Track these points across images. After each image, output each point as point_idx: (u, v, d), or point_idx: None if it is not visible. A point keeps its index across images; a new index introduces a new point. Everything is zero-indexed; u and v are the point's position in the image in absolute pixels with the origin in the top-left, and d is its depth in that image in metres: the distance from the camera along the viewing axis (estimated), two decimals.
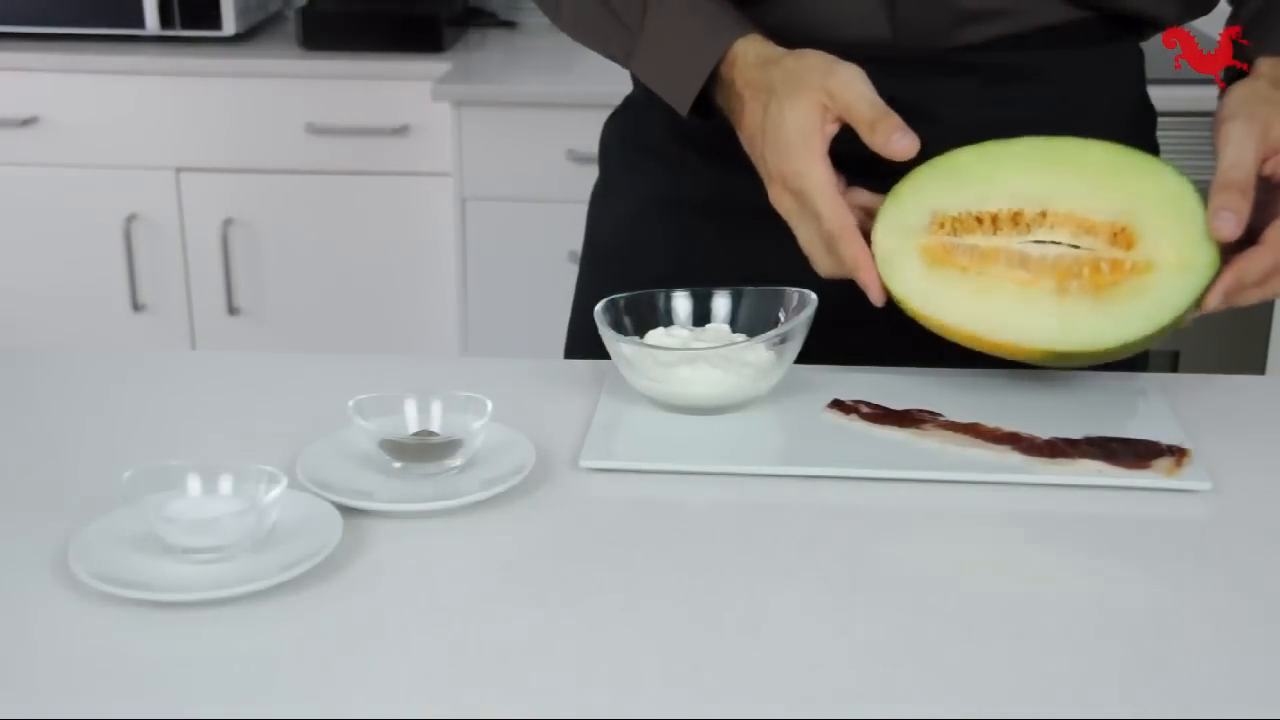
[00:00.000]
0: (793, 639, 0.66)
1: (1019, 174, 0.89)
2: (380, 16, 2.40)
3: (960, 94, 0.98)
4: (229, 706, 0.60)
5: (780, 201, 0.90)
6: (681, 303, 0.95)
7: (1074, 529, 0.77)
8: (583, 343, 1.13)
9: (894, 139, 0.85)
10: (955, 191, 0.89)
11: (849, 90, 0.87)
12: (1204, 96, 1.98)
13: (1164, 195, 0.87)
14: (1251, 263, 0.83)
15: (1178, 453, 0.82)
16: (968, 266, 0.87)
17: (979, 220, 0.88)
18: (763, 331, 0.89)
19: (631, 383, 0.90)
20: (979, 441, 0.84)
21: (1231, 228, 0.82)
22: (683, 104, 0.94)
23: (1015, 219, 0.88)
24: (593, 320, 0.91)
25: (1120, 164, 0.88)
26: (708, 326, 0.94)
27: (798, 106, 0.87)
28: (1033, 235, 0.87)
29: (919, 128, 0.97)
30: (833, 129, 0.88)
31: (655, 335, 0.91)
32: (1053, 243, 0.87)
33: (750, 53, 0.92)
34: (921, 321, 0.88)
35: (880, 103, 0.87)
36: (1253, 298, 0.85)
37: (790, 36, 0.94)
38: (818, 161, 0.87)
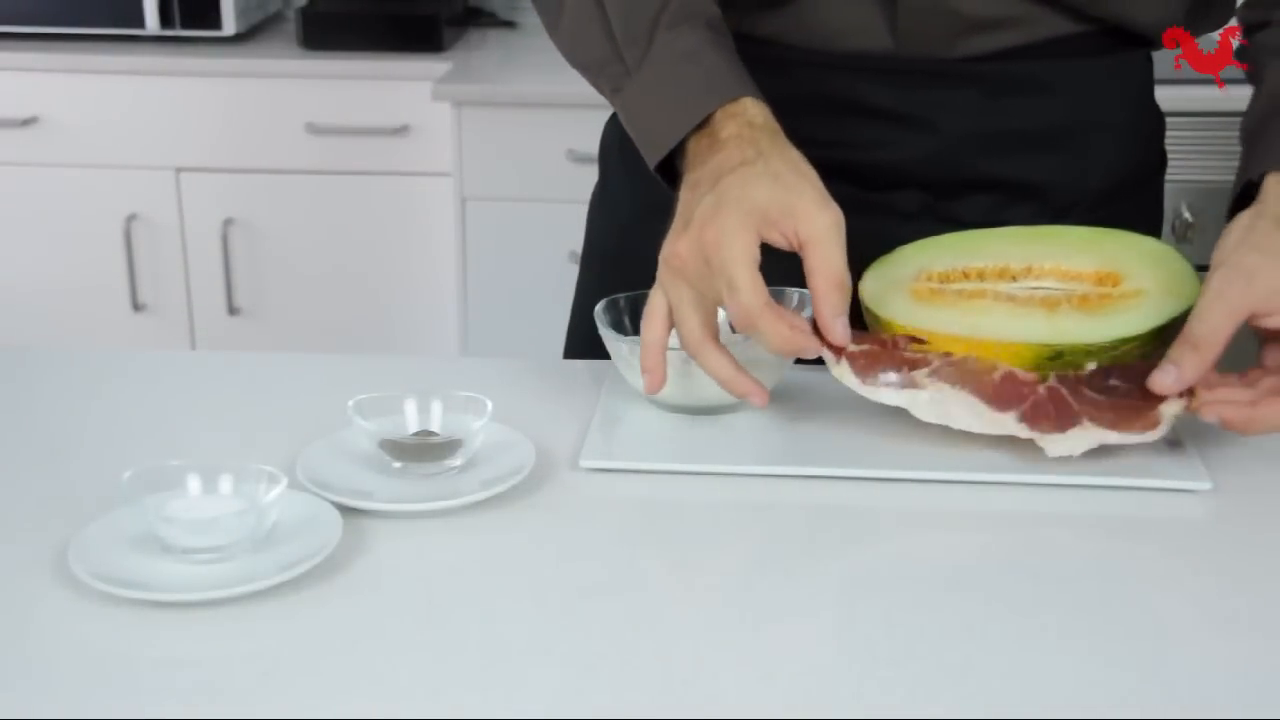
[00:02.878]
0: (792, 639, 0.66)
1: (1002, 244, 0.91)
2: (380, 16, 2.40)
3: (962, 104, 0.97)
4: (229, 706, 0.60)
5: (683, 253, 0.81)
6: None
7: (1074, 529, 0.77)
8: (581, 345, 1.12)
9: (838, 324, 0.80)
10: (941, 255, 0.91)
11: (820, 247, 0.79)
12: (1204, 96, 1.98)
13: (1147, 251, 0.89)
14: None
15: (1187, 394, 0.80)
16: (956, 302, 0.88)
17: (965, 275, 0.90)
18: None
19: (632, 383, 0.90)
20: (978, 400, 0.80)
21: (1168, 383, 0.79)
22: (655, 153, 0.89)
23: (1001, 273, 0.90)
24: (591, 323, 0.91)
25: (1102, 235, 0.91)
26: None
27: (758, 197, 0.80)
28: (1019, 285, 0.89)
29: (920, 138, 0.97)
30: (779, 242, 0.80)
31: None
32: (1039, 287, 0.89)
33: (753, 111, 0.85)
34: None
35: (843, 275, 0.79)
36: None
37: (790, 47, 0.94)
38: (754, 246, 0.79)
